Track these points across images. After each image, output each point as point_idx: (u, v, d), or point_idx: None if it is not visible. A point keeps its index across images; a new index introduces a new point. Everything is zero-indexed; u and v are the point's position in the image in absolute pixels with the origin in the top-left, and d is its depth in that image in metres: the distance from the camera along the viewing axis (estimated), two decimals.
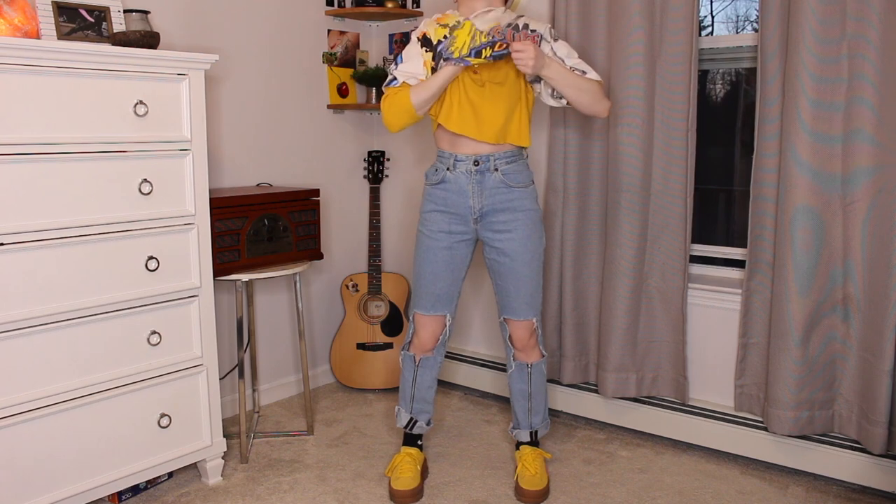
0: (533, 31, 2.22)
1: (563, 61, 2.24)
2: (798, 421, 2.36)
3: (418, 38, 2.29)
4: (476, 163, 2.26)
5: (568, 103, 2.25)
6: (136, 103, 2.11)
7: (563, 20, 2.70)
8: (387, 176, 3.35)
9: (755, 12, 2.57)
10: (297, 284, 2.77)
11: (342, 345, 3.29)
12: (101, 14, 2.27)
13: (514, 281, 2.32)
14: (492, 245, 2.33)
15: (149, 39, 2.20)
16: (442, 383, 3.36)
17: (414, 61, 2.27)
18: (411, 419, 2.48)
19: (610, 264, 2.68)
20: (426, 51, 2.26)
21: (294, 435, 2.85)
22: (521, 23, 2.25)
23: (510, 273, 2.32)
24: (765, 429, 2.48)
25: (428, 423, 2.51)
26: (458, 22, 2.24)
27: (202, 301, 2.34)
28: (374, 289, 3.26)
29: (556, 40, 2.27)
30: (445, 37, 2.24)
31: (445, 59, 2.20)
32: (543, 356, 2.45)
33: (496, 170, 2.27)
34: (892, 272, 2.14)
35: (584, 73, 2.24)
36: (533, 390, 2.44)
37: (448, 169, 2.30)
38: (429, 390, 2.47)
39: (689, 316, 2.66)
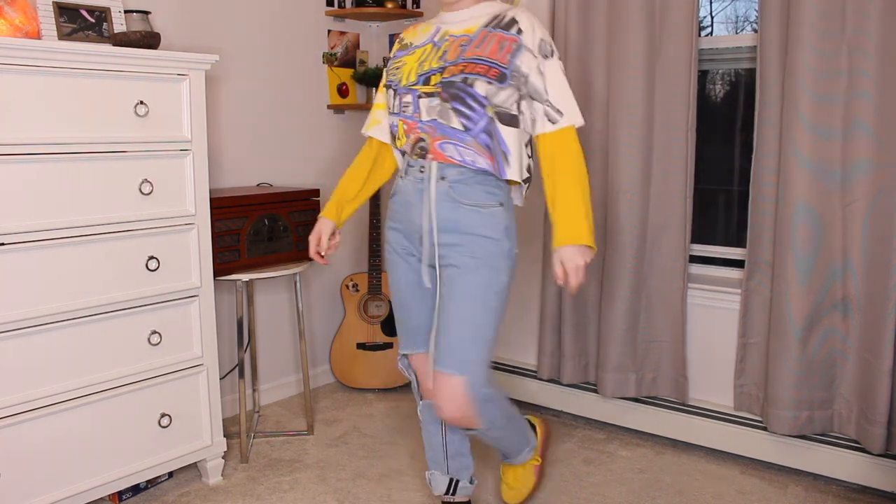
0: (520, 31, 1.76)
1: (545, 91, 1.76)
2: (797, 420, 2.36)
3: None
4: (422, 169, 1.84)
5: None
6: (137, 103, 2.11)
7: (563, 20, 2.70)
8: None
9: (755, 12, 2.58)
10: (297, 284, 2.77)
11: (342, 345, 3.29)
12: (102, 14, 2.27)
13: (445, 318, 1.81)
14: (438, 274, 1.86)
15: (149, 40, 2.20)
16: None
17: (378, 100, 2.02)
18: (452, 480, 2.08)
19: (610, 264, 2.68)
20: (386, 71, 1.96)
21: (294, 435, 2.85)
22: (508, 15, 1.79)
23: (442, 308, 1.83)
24: (764, 428, 2.48)
25: (471, 481, 2.11)
26: (410, 44, 1.90)
27: (202, 301, 2.34)
28: (375, 289, 3.26)
29: (547, 57, 1.77)
30: (395, 55, 1.92)
31: (393, 89, 1.87)
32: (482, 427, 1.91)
33: (443, 178, 1.81)
34: (892, 272, 2.15)
35: (559, 112, 1.76)
36: (492, 441, 2.03)
37: (401, 176, 1.92)
38: (463, 440, 2.06)
39: (689, 316, 2.67)
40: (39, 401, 2.00)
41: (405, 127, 1.84)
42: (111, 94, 2.07)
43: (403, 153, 1.91)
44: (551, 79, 1.77)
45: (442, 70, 1.77)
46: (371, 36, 3.45)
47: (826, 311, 2.33)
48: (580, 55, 2.69)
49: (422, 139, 1.81)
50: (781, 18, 2.29)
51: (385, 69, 1.96)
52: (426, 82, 1.79)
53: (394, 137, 1.91)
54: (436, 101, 1.77)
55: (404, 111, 1.83)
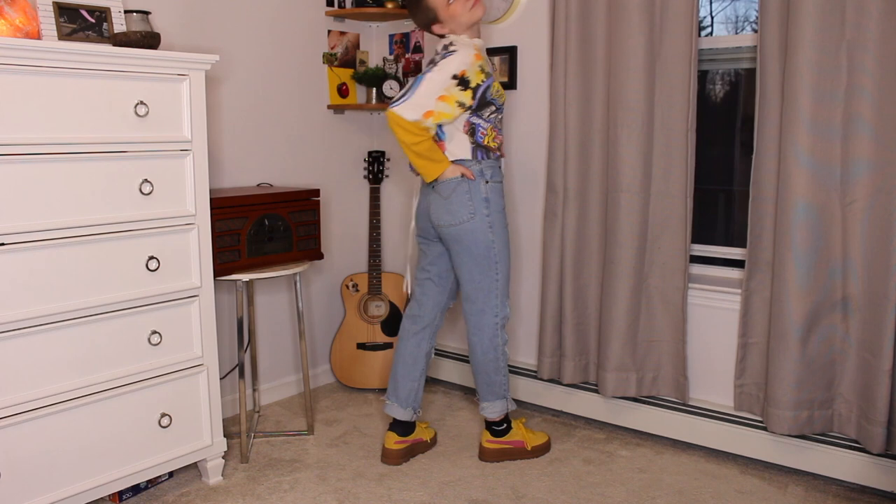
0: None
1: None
2: (797, 420, 2.36)
3: (457, 75, 2.29)
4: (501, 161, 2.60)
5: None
6: (137, 104, 2.12)
7: (563, 20, 2.71)
8: (387, 176, 3.35)
9: (755, 12, 2.58)
10: (298, 284, 2.77)
11: (342, 345, 3.29)
12: (102, 14, 2.27)
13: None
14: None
15: (149, 40, 2.20)
16: (442, 383, 3.36)
17: (430, 99, 2.29)
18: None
19: (610, 264, 2.68)
20: (462, 89, 2.31)
21: (294, 435, 2.85)
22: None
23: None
24: (764, 428, 2.48)
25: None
26: (490, 73, 2.39)
27: (202, 301, 2.34)
28: (375, 289, 3.26)
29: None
30: (483, 81, 2.35)
31: (495, 106, 2.43)
32: None
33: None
34: (892, 272, 2.15)
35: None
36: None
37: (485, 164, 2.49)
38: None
39: (690, 316, 2.67)
40: (39, 401, 2.00)
41: (495, 132, 2.46)
42: (111, 94, 2.07)
43: (485, 147, 2.43)
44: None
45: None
46: (371, 36, 3.45)
47: (826, 311, 2.33)
48: (580, 55, 2.69)
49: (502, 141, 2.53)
50: (781, 18, 2.29)
51: (486, 84, 2.36)
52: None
53: (473, 133, 2.42)
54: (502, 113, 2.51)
55: (497, 123, 2.46)
